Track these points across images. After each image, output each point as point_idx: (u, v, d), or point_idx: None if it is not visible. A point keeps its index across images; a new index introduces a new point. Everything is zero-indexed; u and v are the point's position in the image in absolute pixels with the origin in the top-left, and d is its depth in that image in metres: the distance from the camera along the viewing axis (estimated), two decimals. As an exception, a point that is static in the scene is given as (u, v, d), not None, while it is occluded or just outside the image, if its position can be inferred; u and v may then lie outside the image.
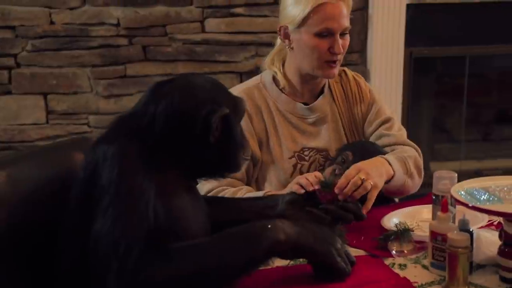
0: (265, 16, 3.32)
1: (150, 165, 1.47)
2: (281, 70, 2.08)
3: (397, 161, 1.94)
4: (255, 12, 3.33)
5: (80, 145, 1.82)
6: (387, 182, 1.89)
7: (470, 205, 1.45)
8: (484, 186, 1.52)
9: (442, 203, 1.53)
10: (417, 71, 3.56)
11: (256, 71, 3.31)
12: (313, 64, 2.00)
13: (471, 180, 1.57)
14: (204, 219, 1.61)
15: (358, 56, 3.45)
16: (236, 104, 1.58)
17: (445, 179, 1.63)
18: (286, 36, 2.03)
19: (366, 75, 3.37)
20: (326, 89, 2.11)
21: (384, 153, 2.00)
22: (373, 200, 1.80)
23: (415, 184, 2.01)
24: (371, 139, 2.10)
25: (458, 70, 3.65)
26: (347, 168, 1.84)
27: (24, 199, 1.60)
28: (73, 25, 3.22)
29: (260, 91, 2.08)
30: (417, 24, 3.46)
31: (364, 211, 1.75)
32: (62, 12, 3.21)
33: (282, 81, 2.07)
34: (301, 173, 2.01)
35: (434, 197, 1.65)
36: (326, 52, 1.98)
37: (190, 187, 1.60)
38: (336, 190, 1.73)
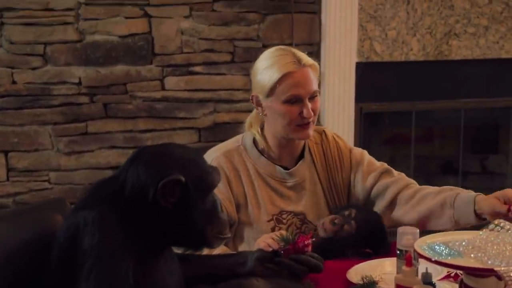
0: (223, 74, 3.41)
1: (127, 231, 1.51)
2: (260, 133, 2.13)
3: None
4: (213, 70, 3.42)
5: (57, 207, 1.86)
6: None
7: (433, 259, 1.54)
8: (444, 241, 1.62)
9: (407, 258, 1.61)
10: (367, 125, 3.69)
11: (214, 127, 3.43)
12: (286, 129, 2.05)
13: (432, 235, 1.67)
14: (179, 280, 1.65)
15: (311, 111, 3.58)
16: (202, 176, 1.57)
17: (408, 235, 1.73)
18: (259, 104, 2.09)
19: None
20: (306, 153, 2.15)
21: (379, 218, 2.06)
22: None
23: None
24: (374, 192, 2.12)
25: (405, 123, 3.77)
26: (349, 222, 1.91)
27: (2, 261, 1.63)
28: (35, 84, 3.27)
29: (240, 154, 2.12)
30: (366, 81, 3.58)
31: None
32: (24, 72, 3.25)
33: (261, 144, 2.12)
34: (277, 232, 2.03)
35: (398, 252, 1.74)
36: (297, 117, 2.03)
37: (163, 251, 1.63)
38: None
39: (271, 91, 2.04)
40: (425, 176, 4.05)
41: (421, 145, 3.96)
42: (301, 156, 2.16)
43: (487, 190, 4.01)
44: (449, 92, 3.72)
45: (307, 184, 2.13)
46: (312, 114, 2.04)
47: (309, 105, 2.03)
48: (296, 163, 2.14)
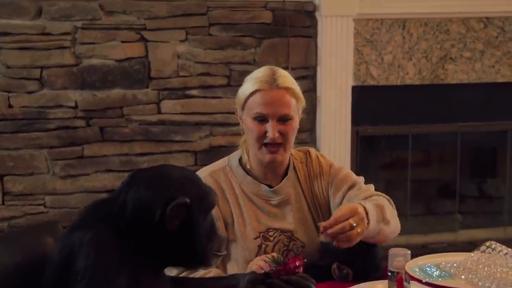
0: (219, 97, 3.43)
1: (122, 251, 1.51)
2: (247, 152, 2.13)
3: (374, 210, 1.93)
4: (209, 94, 3.44)
5: (49, 229, 1.85)
6: None
7: (424, 281, 1.54)
8: (435, 262, 1.62)
9: (398, 280, 1.60)
10: (363, 149, 3.68)
11: (210, 150, 3.43)
12: (254, 146, 2.06)
13: (423, 257, 1.67)
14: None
15: (307, 135, 3.56)
16: (203, 196, 1.60)
17: (400, 256, 1.72)
18: (240, 117, 2.11)
19: (316, 153, 3.49)
20: (291, 171, 2.15)
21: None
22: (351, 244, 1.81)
23: (391, 230, 2.00)
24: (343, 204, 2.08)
25: (402, 147, 3.77)
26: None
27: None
28: (31, 108, 3.28)
29: (226, 174, 2.12)
30: (363, 104, 3.59)
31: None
32: (20, 96, 3.26)
33: (247, 163, 2.12)
34: (266, 253, 2.05)
35: (389, 274, 1.72)
36: (263, 136, 2.03)
37: (158, 272, 1.64)
38: (321, 228, 1.78)
39: (244, 105, 2.07)
40: (422, 200, 4.04)
41: (418, 169, 3.95)
42: (285, 175, 2.16)
43: (485, 214, 4.06)
44: (446, 116, 3.73)
45: (292, 201, 2.13)
46: (277, 135, 2.02)
47: (277, 127, 2.03)
48: (281, 181, 2.15)
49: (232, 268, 2.08)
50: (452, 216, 3.96)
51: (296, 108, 2.08)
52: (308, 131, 3.57)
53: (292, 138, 2.09)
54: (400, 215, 3.86)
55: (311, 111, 3.54)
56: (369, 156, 3.81)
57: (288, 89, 2.05)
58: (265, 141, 2.04)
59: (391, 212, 2.04)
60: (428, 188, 4.09)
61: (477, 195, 4.14)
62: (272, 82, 2.04)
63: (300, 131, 3.53)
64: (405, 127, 3.71)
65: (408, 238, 3.75)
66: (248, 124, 2.07)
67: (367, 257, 2.01)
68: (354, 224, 1.80)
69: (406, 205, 3.81)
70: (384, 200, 2.07)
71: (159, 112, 3.40)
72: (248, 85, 2.07)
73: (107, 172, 3.36)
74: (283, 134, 2.04)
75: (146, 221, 1.55)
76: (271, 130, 2.01)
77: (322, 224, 1.79)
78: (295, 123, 2.08)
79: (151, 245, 1.56)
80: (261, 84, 2.04)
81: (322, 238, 1.97)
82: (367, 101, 3.62)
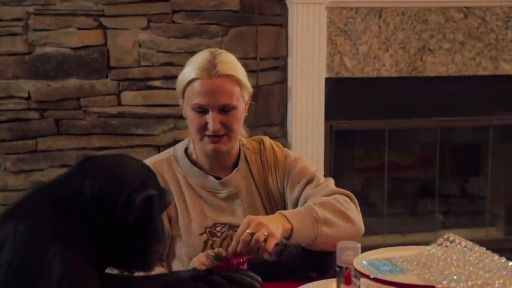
0: (183, 89, 3.30)
1: (64, 241, 1.41)
2: (193, 141, 2.01)
3: (298, 213, 1.85)
4: (173, 85, 3.23)
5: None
6: (288, 237, 1.80)
7: (372, 276, 1.38)
8: (387, 257, 1.47)
9: (345, 275, 1.48)
10: (337, 144, 3.56)
11: (174, 144, 3.26)
12: (196, 137, 1.95)
13: (375, 251, 1.52)
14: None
15: (278, 129, 3.45)
16: (161, 193, 1.55)
17: (349, 250, 1.56)
18: (181, 105, 2.00)
19: (286, 147, 3.33)
20: (241, 162, 2.02)
21: None
22: (268, 250, 1.72)
23: (341, 231, 1.85)
24: (300, 203, 1.97)
25: (378, 143, 3.66)
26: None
27: None
28: (-20, 98, 3.14)
29: (170, 165, 2.01)
30: (336, 97, 3.48)
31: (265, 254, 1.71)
32: (-32, 85, 3.13)
33: (193, 153, 2.01)
34: (213, 249, 1.91)
35: (337, 269, 1.58)
36: (204, 127, 1.92)
37: (99, 269, 1.54)
38: (231, 255, 1.70)
39: (183, 95, 1.96)
40: (400, 199, 3.92)
41: (396, 166, 3.84)
42: (236, 166, 2.03)
43: (467, 214, 3.93)
44: (424, 110, 3.62)
45: (242, 194, 2.01)
46: (218, 127, 1.90)
47: (219, 117, 1.90)
48: (230, 173, 2.02)
49: (177, 267, 1.96)
50: (432, 215, 3.84)
51: (240, 96, 1.94)
52: (279, 125, 3.46)
53: (237, 127, 1.96)
54: (377, 214, 3.77)
55: (281, 103, 3.43)
56: (343, 152, 3.70)
57: (229, 77, 1.91)
58: (207, 132, 1.92)
59: (335, 209, 1.88)
60: (407, 186, 4.01)
61: (459, 194, 4.05)
62: (211, 70, 1.90)
63: (270, 125, 3.48)
64: (382, 122, 3.59)
65: (386, 238, 3.65)
66: (188, 114, 1.94)
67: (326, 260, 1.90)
68: (253, 231, 1.71)
69: (383, 204, 3.71)
70: (338, 198, 1.92)
71: (119, 104, 3.27)
72: (187, 71, 1.94)
73: (63, 167, 3.21)
74: (225, 125, 1.92)
75: (105, 210, 1.48)
76: (212, 122, 1.89)
77: (229, 252, 1.71)
78: (239, 113, 1.95)
79: (100, 237, 1.48)
80: (199, 72, 1.90)
81: (267, 257, 1.88)
82: (341, 94, 3.50)
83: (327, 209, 1.86)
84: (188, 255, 1.93)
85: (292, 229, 1.80)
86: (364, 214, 3.77)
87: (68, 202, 1.47)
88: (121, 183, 1.48)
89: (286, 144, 3.41)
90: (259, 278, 1.69)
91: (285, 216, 1.82)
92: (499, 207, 3.88)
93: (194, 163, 2.01)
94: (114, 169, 1.52)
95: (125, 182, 1.49)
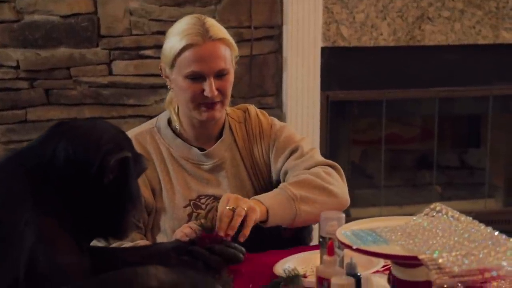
0: (176, 58, 3.22)
1: (38, 209, 1.37)
2: (176, 112, 1.97)
3: (272, 195, 1.82)
4: (165, 55, 3.21)
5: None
6: (265, 220, 1.77)
7: (354, 247, 1.33)
8: (371, 227, 1.41)
9: (328, 246, 1.43)
10: (333, 115, 3.49)
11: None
12: (189, 106, 1.89)
13: (359, 221, 1.47)
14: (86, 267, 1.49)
15: (273, 99, 3.38)
16: (136, 158, 1.52)
17: (333, 220, 1.51)
18: (166, 76, 1.93)
19: (281, 119, 3.28)
20: (226, 132, 1.98)
21: None
22: (251, 224, 1.69)
23: (322, 206, 1.80)
24: (282, 175, 1.95)
25: (376, 114, 3.60)
26: None
27: None
28: (-33, 67, 3.07)
29: (152, 137, 1.97)
30: (332, 67, 3.41)
31: (242, 239, 1.67)
32: (-45, 54, 3.06)
33: (176, 124, 1.96)
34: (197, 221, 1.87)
35: (321, 240, 1.55)
36: (199, 96, 1.87)
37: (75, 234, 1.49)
38: (217, 231, 1.67)
39: (173, 63, 1.89)
40: (398, 171, 3.86)
41: (393, 137, 3.77)
42: (221, 136, 1.99)
43: (465, 186, 3.87)
44: (423, 80, 3.54)
45: (227, 165, 1.97)
46: (216, 93, 1.86)
47: (215, 83, 1.86)
48: (214, 144, 1.98)
49: (162, 240, 1.92)
50: (430, 187, 3.78)
51: (231, 59, 1.91)
52: (274, 96, 3.39)
53: (230, 93, 1.92)
54: (375, 186, 3.72)
55: (276, 73, 3.36)
56: (340, 124, 3.63)
57: (222, 40, 1.88)
58: (202, 100, 1.87)
59: (314, 185, 1.83)
60: (404, 157, 3.95)
61: (458, 165, 3.98)
62: (204, 34, 1.85)
63: (265, 95, 3.41)
64: (379, 92, 3.52)
65: (383, 209, 3.60)
66: (179, 83, 1.88)
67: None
68: (232, 207, 1.69)
69: (380, 176, 3.65)
70: (319, 171, 1.87)
71: (110, 73, 3.19)
72: (176, 40, 1.87)
73: (53, 137, 3.14)
74: (221, 91, 1.88)
75: (79, 173, 1.44)
76: (209, 88, 1.85)
77: (219, 234, 1.68)
78: (232, 77, 1.92)
79: (75, 202, 1.45)
80: (192, 38, 1.85)
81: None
82: (338, 64, 3.42)
83: (304, 187, 1.83)
84: (172, 229, 1.89)
85: (267, 211, 1.76)
86: (361, 186, 3.74)
87: (41, 167, 1.43)
88: (95, 145, 1.45)
89: (281, 114, 3.35)
90: (243, 249, 1.66)
91: (259, 200, 1.78)
92: (499, 178, 3.82)
93: (178, 134, 1.96)
94: (88, 132, 1.48)
95: (99, 144, 1.45)
